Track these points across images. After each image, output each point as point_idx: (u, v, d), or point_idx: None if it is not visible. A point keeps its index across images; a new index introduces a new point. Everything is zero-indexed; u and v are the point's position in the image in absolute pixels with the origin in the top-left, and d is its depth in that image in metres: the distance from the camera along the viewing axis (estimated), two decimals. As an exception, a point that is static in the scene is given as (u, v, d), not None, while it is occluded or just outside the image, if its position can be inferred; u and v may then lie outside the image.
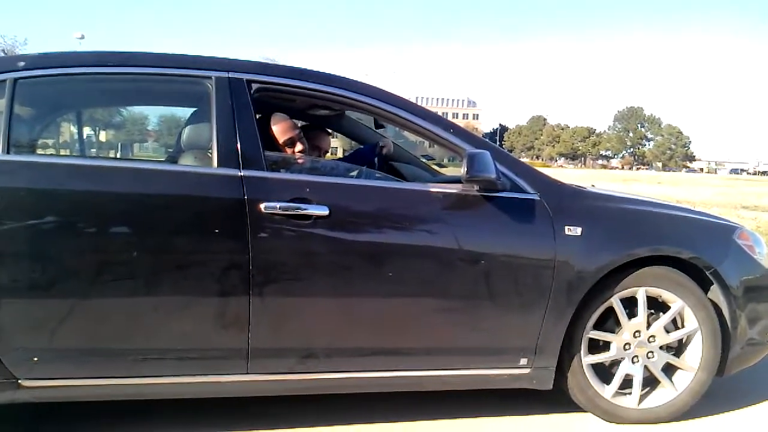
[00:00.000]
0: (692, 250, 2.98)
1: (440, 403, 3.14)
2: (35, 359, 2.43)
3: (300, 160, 3.00)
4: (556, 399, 3.10)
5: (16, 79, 2.54)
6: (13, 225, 2.38)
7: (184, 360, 2.58)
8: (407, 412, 3.06)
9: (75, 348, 2.48)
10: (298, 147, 3.08)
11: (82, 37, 37.44)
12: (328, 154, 3.96)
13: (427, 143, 3.39)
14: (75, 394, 2.54)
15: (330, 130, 3.98)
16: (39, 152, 3.05)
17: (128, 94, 3.44)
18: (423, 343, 2.80)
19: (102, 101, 4.03)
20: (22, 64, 2.59)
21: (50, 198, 2.44)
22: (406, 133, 3.40)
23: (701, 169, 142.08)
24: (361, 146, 4.06)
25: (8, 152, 2.47)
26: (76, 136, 4.13)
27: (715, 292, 3.05)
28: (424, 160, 4.37)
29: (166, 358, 2.56)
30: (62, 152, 4.58)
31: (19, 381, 2.44)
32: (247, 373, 2.61)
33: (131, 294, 2.48)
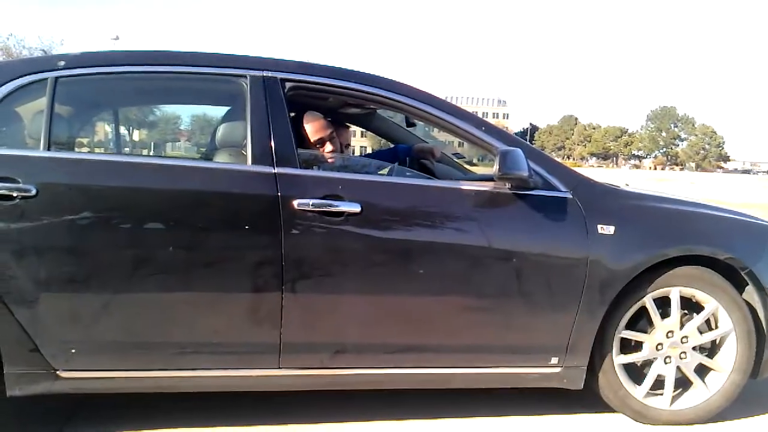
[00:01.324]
0: (727, 250, 2.94)
1: (465, 401, 3.15)
2: (73, 351, 2.49)
3: (331, 159, 3.02)
4: (591, 400, 3.08)
5: (56, 78, 2.60)
6: (53, 220, 2.43)
7: (218, 354, 2.61)
8: (430, 409, 3.07)
9: (112, 340, 2.53)
10: (328, 147, 3.10)
11: (117, 38, 38.03)
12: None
13: (457, 141, 3.39)
14: (111, 386, 2.60)
15: (349, 124, 3.99)
16: (78, 150, 3.11)
17: (163, 93, 3.50)
18: (453, 340, 2.81)
19: (138, 100, 4.10)
20: (62, 63, 2.65)
21: (89, 194, 2.49)
22: (435, 132, 3.41)
23: (736, 170, 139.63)
24: (393, 145, 4.07)
25: (49, 149, 2.53)
26: (112, 135, 4.21)
27: (750, 293, 3.01)
28: (455, 159, 4.37)
29: (201, 352, 2.60)
30: (99, 150, 4.67)
31: (57, 372, 2.49)
32: (279, 368, 2.65)
33: (166, 288, 2.53)
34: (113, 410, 2.93)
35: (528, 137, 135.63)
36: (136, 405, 2.95)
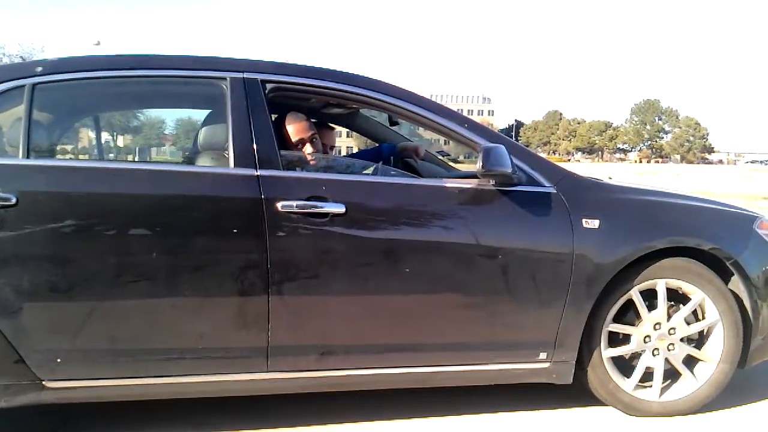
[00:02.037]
0: (712, 241, 2.95)
1: (455, 398, 3.14)
2: (58, 360, 2.46)
3: (313, 160, 3.00)
4: (569, 394, 3.09)
5: (34, 85, 2.58)
6: (34, 228, 2.41)
7: (205, 359, 2.59)
8: (420, 408, 3.07)
9: (97, 348, 2.51)
10: (308, 149, 3.08)
11: (98, 44, 37.64)
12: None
13: (443, 140, 3.39)
14: (98, 395, 2.57)
15: (333, 125, 3.98)
16: (58, 157, 3.08)
17: (144, 97, 3.47)
18: (441, 339, 2.80)
19: (119, 104, 4.06)
20: (39, 69, 2.62)
21: (70, 201, 2.47)
22: (420, 130, 3.40)
23: (720, 161, 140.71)
24: (377, 144, 4.06)
25: (28, 157, 2.50)
26: (94, 141, 4.17)
27: (736, 283, 3.03)
28: (439, 157, 4.37)
29: (188, 358, 2.58)
30: (81, 157, 4.62)
31: (43, 382, 2.47)
32: (267, 371, 2.63)
33: (152, 294, 2.51)
34: (107, 415, 2.91)
35: (513, 133, 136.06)
36: (131, 411, 2.93)
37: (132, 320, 2.52)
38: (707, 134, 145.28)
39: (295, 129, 3.07)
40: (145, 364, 2.56)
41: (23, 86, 2.57)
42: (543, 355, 2.86)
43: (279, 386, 2.71)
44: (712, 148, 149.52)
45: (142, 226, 2.51)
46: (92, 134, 4.20)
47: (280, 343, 2.61)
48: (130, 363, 2.55)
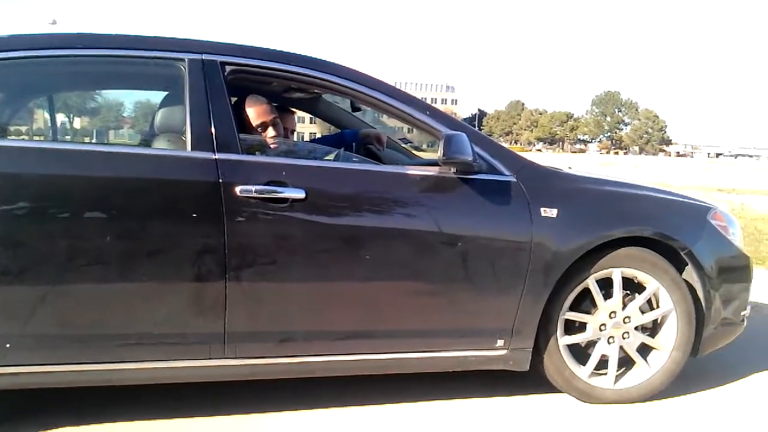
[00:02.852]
0: (667, 231, 3.00)
1: (422, 385, 3.16)
2: (8, 345, 2.40)
3: (274, 144, 2.96)
4: (536, 381, 3.12)
5: (-17, 62, 2.49)
6: (-18, 210, 2.33)
7: (161, 345, 2.55)
8: (386, 394, 3.07)
9: (49, 334, 2.45)
10: (271, 132, 3.03)
11: (54, 23, 36.66)
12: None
13: (405, 127, 3.37)
14: (50, 381, 2.51)
15: (294, 109, 3.94)
16: (10, 137, 2.98)
17: (99, 78, 3.37)
18: (400, 325, 2.80)
19: (73, 85, 3.96)
20: (-10, 46, 2.53)
21: (21, 183, 2.40)
22: (384, 118, 3.38)
23: (678, 153, 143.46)
24: (340, 130, 4.03)
25: (-23, 136, 2.42)
26: (49, 121, 4.06)
27: (690, 273, 3.08)
28: (402, 144, 4.35)
29: (143, 344, 2.53)
30: (35, 138, 4.50)
31: (-8, 368, 2.40)
32: (225, 358, 2.60)
33: (106, 279, 2.45)
34: (73, 401, 2.85)
35: (476, 122, 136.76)
36: (100, 395, 2.87)
37: (86, 305, 2.46)
38: (665, 126, 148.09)
39: (256, 112, 3.02)
40: (99, 350, 2.50)
41: (-28, 64, 2.48)
42: (500, 343, 2.88)
43: (237, 372, 2.68)
44: (670, 140, 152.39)
45: (97, 209, 2.45)
46: (46, 115, 4.09)
47: (238, 330, 2.58)
48: (84, 349, 2.49)
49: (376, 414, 2.90)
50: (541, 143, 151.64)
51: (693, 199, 3.40)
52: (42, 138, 4.54)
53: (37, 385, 2.53)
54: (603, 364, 3.06)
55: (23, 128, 4.40)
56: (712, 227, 3.16)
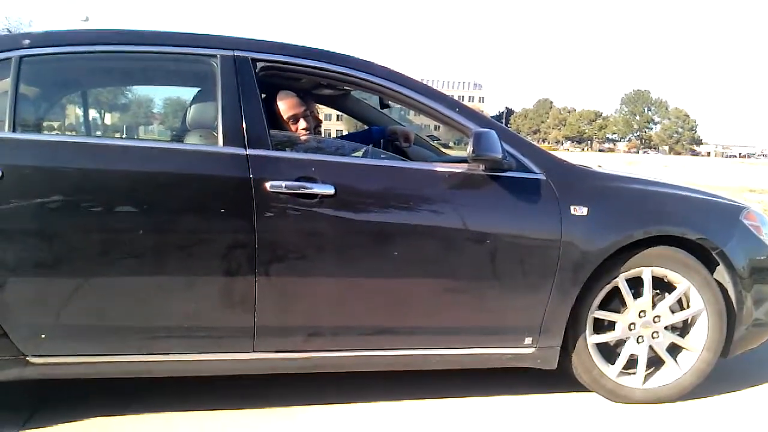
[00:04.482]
0: (698, 231, 2.97)
1: (447, 382, 3.16)
2: (43, 336, 2.45)
3: (305, 139, 2.98)
4: (565, 380, 3.11)
5: (21, 57, 2.54)
6: (20, 203, 2.38)
7: (191, 338, 2.59)
8: (410, 390, 3.08)
9: (83, 325, 2.50)
10: (302, 124, 3.06)
11: (87, 19, 37.10)
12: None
13: (434, 125, 3.38)
14: (83, 371, 2.56)
15: (321, 105, 3.94)
16: (45, 131, 3.04)
17: (132, 73, 3.42)
18: (428, 322, 2.81)
19: (106, 80, 4.01)
20: (27, 42, 2.58)
21: (57, 176, 2.44)
22: (411, 115, 3.39)
23: (708, 153, 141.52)
24: (367, 127, 4.04)
25: (14, 130, 2.47)
26: (81, 117, 4.12)
27: (721, 273, 3.04)
28: (430, 141, 4.35)
29: (174, 336, 2.57)
30: (68, 132, 4.57)
31: (27, 358, 2.46)
32: (253, 351, 2.63)
33: (138, 272, 2.49)
34: (90, 391, 2.90)
35: (503, 121, 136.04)
36: (116, 387, 2.92)
37: (118, 297, 2.51)
38: (696, 126, 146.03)
39: (287, 105, 3.05)
40: (130, 342, 2.55)
41: (9, 59, 2.53)
42: (528, 340, 2.87)
43: (264, 366, 2.70)
44: (701, 140, 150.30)
45: (130, 203, 2.49)
46: (79, 110, 4.15)
47: (267, 324, 2.60)
48: (115, 340, 2.54)
49: (393, 411, 2.91)
50: (569, 142, 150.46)
51: (725, 199, 3.35)
52: (75, 133, 4.61)
53: (69, 376, 2.57)
54: (632, 363, 3.04)
55: (56, 123, 4.46)
56: (745, 227, 3.11)
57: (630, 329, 3.00)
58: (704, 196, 3.26)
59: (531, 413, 2.93)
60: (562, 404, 3.05)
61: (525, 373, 3.04)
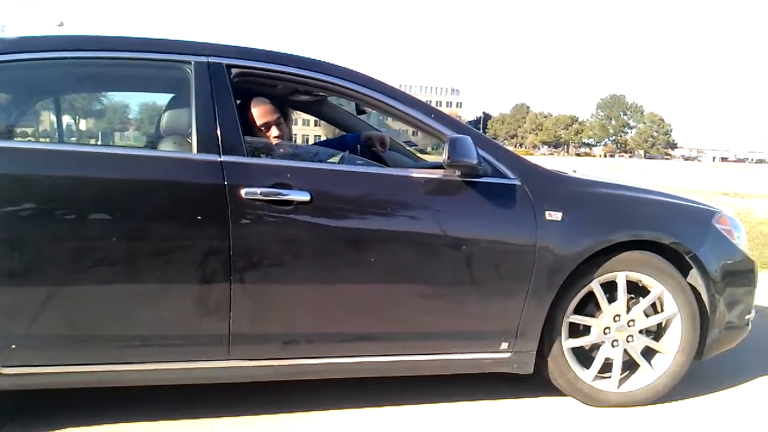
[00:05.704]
0: (672, 235, 3.00)
1: (426, 388, 3.16)
2: (14, 346, 2.41)
3: (280, 145, 2.97)
4: (540, 384, 3.12)
5: (-9, 63, 2.50)
6: (-11, 211, 2.34)
7: (166, 346, 2.56)
8: (391, 397, 3.08)
9: (55, 335, 2.46)
10: (275, 132, 3.05)
11: (61, 24, 36.74)
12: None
13: (411, 130, 3.38)
14: (55, 381, 2.52)
15: (298, 112, 3.92)
16: (16, 138, 3.00)
17: (106, 80, 3.39)
18: (404, 328, 2.81)
19: (81, 86, 3.97)
20: (-2, 47, 2.55)
21: (27, 184, 2.41)
22: (388, 120, 3.39)
23: (682, 157, 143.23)
24: (345, 133, 4.04)
25: (-16, 137, 2.44)
26: (55, 123, 4.08)
27: (695, 277, 3.08)
28: (406, 147, 4.36)
29: (148, 345, 2.54)
30: (41, 139, 4.52)
31: (-1, 369, 2.41)
32: (228, 359, 2.61)
33: (111, 280, 2.46)
34: (66, 401, 2.86)
35: (481, 126, 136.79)
36: (91, 397, 2.88)
37: (90, 306, 2.47)
38: (671, 130, 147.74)
39: (260, 112, 3.04)
40: (103, 351, 2.51)
41: (-20, 65, 2.49)
42: (504, 345, 2.88)
43: (240, 374, 2.68)
44: (675, 143, 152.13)
45: (103, 210, 2.46)
46: (53, 116, 4.11)
47: (242, 331, 2.59)
48: (89, 350, 2.51)
49: (380, 416, 2.91)
50: (545, 146, 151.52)
51: (698, 203, 3.39)
52: (48, 140, 4.56)
53: (41, 386, 2.54)
54: (607, 367, 3.06)
55: (29, 130, 4.41)
56: (717, 231, 3.15)
57: (605, 333, 3.02)
58: (677, 201, 3.30)
59: (509, 417, 2.94)
60: (538, 408, 3.06)
61: (509, 378, 3.04)
